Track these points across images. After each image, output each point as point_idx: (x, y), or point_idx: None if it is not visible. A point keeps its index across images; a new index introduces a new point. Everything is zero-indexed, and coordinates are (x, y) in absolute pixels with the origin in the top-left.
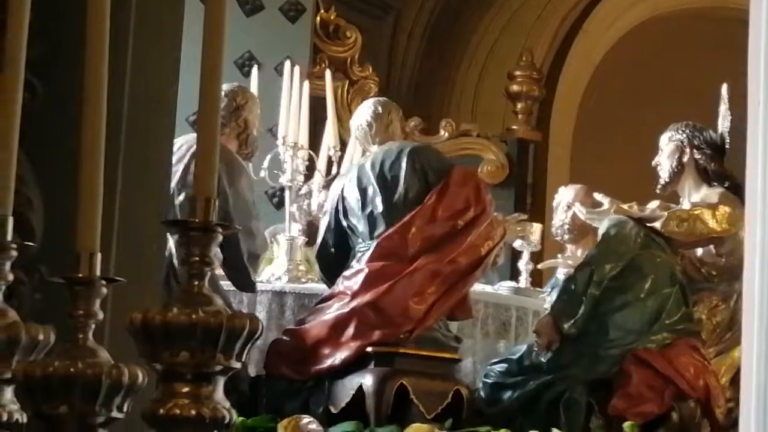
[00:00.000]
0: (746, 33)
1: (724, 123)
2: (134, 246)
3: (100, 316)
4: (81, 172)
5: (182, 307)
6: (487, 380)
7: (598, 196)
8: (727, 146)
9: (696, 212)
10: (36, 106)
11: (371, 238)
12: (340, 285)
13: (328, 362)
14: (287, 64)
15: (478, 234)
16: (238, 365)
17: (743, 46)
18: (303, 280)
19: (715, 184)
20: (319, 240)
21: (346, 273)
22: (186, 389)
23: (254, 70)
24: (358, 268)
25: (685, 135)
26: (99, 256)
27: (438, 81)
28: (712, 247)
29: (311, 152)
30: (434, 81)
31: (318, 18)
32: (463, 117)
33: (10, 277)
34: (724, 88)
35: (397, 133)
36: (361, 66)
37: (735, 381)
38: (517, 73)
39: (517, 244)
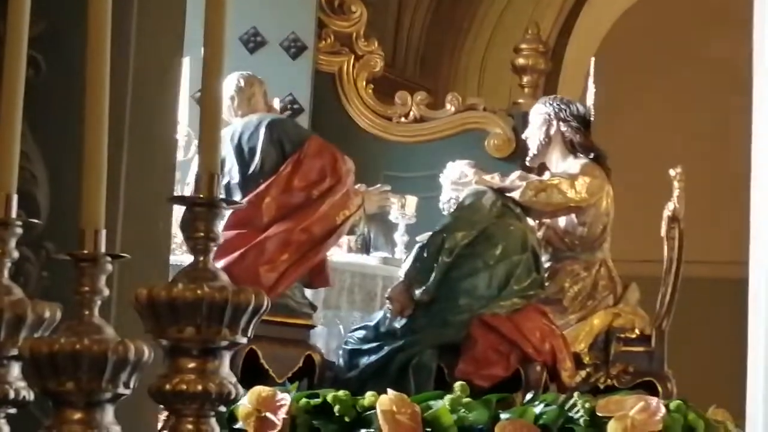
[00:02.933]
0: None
1: (590, 96)
2: (140, 222)
3: (106, 292)
4: (85, 149)
5: (187, 283)
6: (346, 346)
7: (464, 169)
8: (591, 119)
9: (554, 182)
10: (40, 83)
11: None
12: None
13: None
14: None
15: (332, 203)
16: (243, 340)
17: (750, 15)
18: (177, 252)
19: (581, 155)
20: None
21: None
22: (192, 365)
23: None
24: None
25: (552, 108)
26: (104, 232)
27: (444, 55)
28: (574, 216)
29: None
30: (440, 55)
31: None
32: (470, 91)
33: (16, 254)
34: (592, 63)
35: (260, 106)
36: (367, 41)
37: (593, 347)
38: (523, 46)
39: (393, 216)
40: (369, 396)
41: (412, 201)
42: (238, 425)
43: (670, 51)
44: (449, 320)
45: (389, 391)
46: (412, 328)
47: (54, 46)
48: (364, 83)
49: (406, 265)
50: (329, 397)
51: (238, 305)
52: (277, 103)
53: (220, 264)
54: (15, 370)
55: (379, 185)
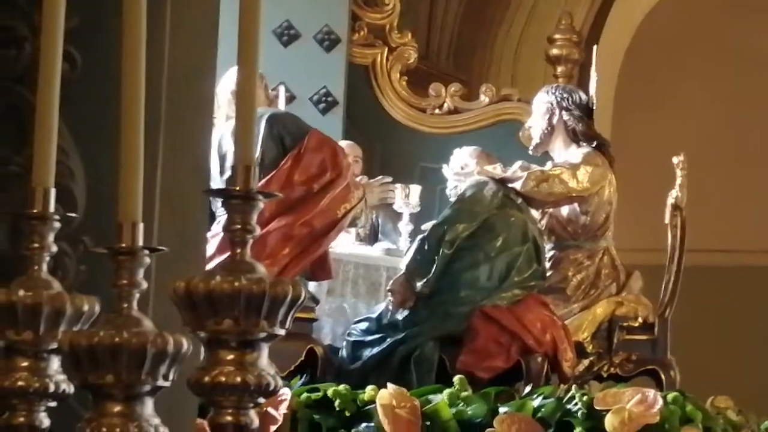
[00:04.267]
0: None
1: (592, 85)
2: (177, 215)
3: (144, 285)
4: (122, 142)
5: (225, 275)
6: (349, 338)
7: (466, 159)
8: (594, 108)
9: (556, 172)
10: (76, 77)
11: None
12: None
13: None
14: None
15: (333, 197)
16: (282, 332)
17: None
18: None
19: (584, 144)
20: None
21: (207, 236)
22: (231, 357)
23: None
24: (216, 231)
25: (554, 97)
26: (141, 225)
27: (477, 46)
28: (576, 205)
29: None
30: (474, 46)
31: None
32: (503, 82)
33: (54, 248)
34: (594, 51)
35: (260, 100)
36: (400, 32)
37: (596, 336)
38: (557, 36)
39: (398, 205)
40: (369, 390)
41: (415, 190)
42: None
43: (705, 41)
44: (450, 312)
45: (389, 385)
46: (413, 320)
47: (89, 41)
48: (398, 75)
49: (407, 258)
50: (329, 392)
51: (275, 297)
52: (282, 92)
53: (221, 259)
54: (55, 363)
55: (380, 177)
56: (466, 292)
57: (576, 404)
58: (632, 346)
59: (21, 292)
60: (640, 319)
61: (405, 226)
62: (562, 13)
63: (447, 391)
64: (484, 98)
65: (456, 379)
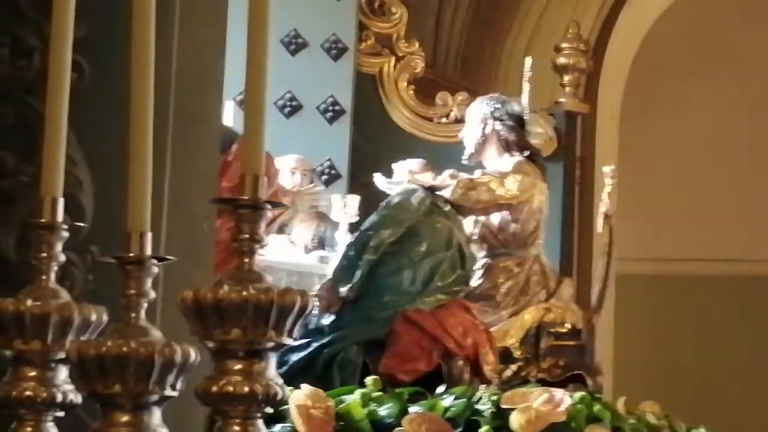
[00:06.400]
0: None
1: (524, 96)
2: (185, 225)
3: (152, 295)
4: (130, 152)
5: (233, 285)
6: None
7: (404, 169)
8: (526, 118)
9: (484, 180)
10: (84, 86)
11: None
12: None
13: None
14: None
15: None
16: (290, 341)
17: None
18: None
19: (516, 153)
20: None
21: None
22: (238, 366)
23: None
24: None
25: (487, 107)
26: (149, 235)
27: (485, 55)
28: (507, 214)
29: None
30: (481, 55)
31: None
32: (510, 91)
33: (62, 258)
34: (528, 63)
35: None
36: (407, 41)
37: (525, 342)
38: (564, 45)
39: (335, 215)
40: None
41: (353, 200)
42: None
43: (712, 49)
44: (374, 317)
45: (303, 385)
46: (338, 324)
47: (97, 50)
48: (405, 84)
49: (333, 263)
50: None
51: (283, 306)
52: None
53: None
54: (62, 373)
55: (311, 185)
56: (390, 296)
57: (485, 404)
58: (560, 352)
59: (29, 302)
60: (567, 325)
61: (342, 235)
62: (570, 22)
63: (359, 391)
64: None
65: (369, 379)
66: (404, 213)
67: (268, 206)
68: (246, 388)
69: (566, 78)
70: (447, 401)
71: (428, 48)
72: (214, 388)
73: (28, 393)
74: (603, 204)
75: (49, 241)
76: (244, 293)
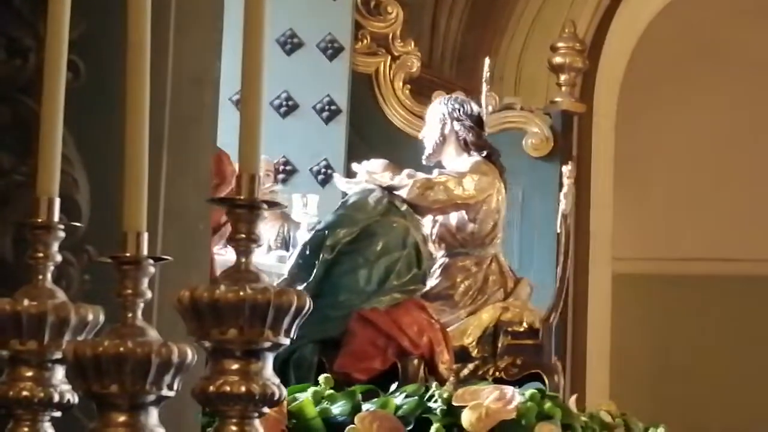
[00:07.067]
0: None
1: (483, 97)
2: (181, 224)
3: (149, 295)
4: (126, 152)
5: (230, 284)
6: None
7: (358, 168)
8: (485, 118)
9: (441, 180)
10: (80, 86)
11: None
12: None
13: None
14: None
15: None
16: (286, 341)
17: None
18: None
19: (474, 153)
20: None
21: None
22: (235, 366)
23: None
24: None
25: (446, 107)
26: (146, 235)
27: (480, 55)
28: (464, 213)
29: None
30: (477, 55)
31: None
32: (506, 90)
33: (58, 258)
34: (486, 64)
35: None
36: (403, 41)
37: (482, 341)
38: (560, 44)
39: (295, 215)
40: None
41: (313, 199)
42: None
43: (709, 48)
44: (330, 316)
45: None
46: None
47: (93, 50)
48: (401, 84)
49: (290, 263)
50: None
51: (280, 306)
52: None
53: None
54: (59, 373)
55: (269, 184)
56: (345, 296)
57: (436, 401)
58: (517, 351)
59: (25, 302)
60: (525, 325)
61: (302, 235)
62: (566, 21)
63: (311, 389)
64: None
65: (321, 377)
66: (360, 212)
67: (265, 206)
68: (243, 388)
69: (562, 77)
70: (399, 399)
71: (424, 47)
72: (211, 388)
73: (24, 393)
74: (561, 204)
75: (45, 241)
76: (241, 293)
